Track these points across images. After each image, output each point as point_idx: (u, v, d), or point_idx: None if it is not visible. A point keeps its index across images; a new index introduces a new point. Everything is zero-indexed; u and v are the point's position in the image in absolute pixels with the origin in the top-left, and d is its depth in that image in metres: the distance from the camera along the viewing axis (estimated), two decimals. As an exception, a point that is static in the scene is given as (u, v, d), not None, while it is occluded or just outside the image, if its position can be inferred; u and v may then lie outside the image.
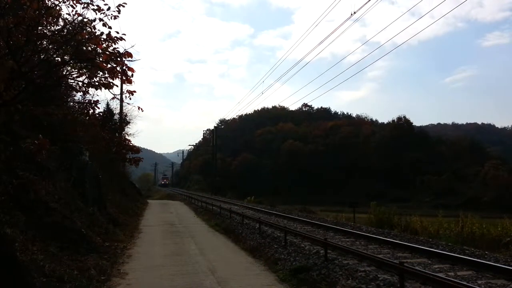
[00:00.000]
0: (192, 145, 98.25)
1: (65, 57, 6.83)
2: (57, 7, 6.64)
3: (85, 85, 7.30)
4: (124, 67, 7.00)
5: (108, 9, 6.34)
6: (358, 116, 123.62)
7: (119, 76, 7.09)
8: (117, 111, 27.21)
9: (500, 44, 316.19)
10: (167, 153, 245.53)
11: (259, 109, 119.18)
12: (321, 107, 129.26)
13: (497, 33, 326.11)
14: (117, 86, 8.42)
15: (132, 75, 7.06)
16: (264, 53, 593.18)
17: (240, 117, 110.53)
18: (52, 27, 7.01)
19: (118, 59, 6.75)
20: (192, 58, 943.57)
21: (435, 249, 8.85)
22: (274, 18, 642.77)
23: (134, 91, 7.33)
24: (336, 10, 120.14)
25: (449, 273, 6.71)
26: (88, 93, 9.19)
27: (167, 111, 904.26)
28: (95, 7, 6.37)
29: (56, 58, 6.89)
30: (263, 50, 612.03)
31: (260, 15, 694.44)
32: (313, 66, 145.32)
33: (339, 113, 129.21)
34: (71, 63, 6.92)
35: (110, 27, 6.53)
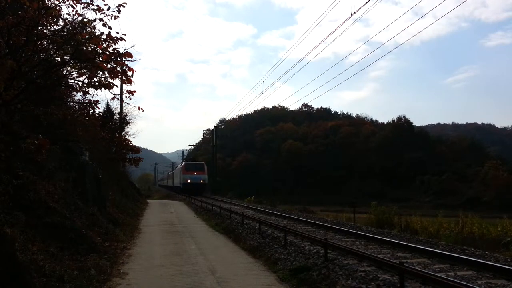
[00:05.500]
0: (192, 145, 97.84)
1: (65, 57, 6.85)
2: (57, 7, 6.66)
3: (85, 85, 7.33)
4: (124, 67, 7.01)
5: (108, 9, 6.36)
6: (358, 116, 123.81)
7: (119, 76, 7.10)
8: (117, 111, 27.20)
9: (502, 44, 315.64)
10: (167, 153, 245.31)
11: (259, 109, 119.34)
12: (321, 107, 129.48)
13: (500, 33, 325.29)
14: (117, 86, 8.44)
15: (132, 75, 7.08)
16: (267, 53, 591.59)
17: (240, 117, 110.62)
18: (52, 27, 7.03)
19: (118, 59, 6.76)
20: (195, 58, 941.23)
21: (435, 249, 8.85)
22: (277, 18, 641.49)
23: (134, 91, 7.35)
24: (340, 10, 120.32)
25: (449, 273, 6.71)
26: (88, 93, 9.23)
27: (168, 111, 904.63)
28: (95, 7, 6.40)
29: (56, 58, 6.91)
30: (266, 50, 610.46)
31: (264, 15, 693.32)
32: (315, 66, 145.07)
33: (339, 113, 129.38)
34: (71, 63, 6.93)
35: (110, 27, 6.56)
